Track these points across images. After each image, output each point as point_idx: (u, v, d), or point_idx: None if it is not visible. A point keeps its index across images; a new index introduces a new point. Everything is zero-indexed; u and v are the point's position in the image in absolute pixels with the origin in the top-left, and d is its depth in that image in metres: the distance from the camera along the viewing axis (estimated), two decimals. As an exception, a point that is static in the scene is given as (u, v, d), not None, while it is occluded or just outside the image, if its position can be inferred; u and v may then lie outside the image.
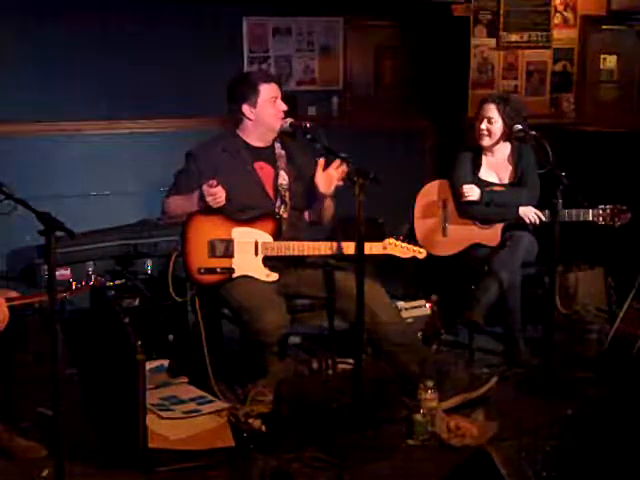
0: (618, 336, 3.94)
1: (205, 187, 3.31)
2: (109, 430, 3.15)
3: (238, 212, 3.43)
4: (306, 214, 3.67)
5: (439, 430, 3.14)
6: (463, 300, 4.00)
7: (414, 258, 3.44)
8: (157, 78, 5.35)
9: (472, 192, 3.98)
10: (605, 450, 2.75)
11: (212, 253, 3.40)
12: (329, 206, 3.56)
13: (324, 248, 3.43)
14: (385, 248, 3.41)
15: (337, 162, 3.30)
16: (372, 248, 3.35)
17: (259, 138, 3.56)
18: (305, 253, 3.43)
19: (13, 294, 3.00)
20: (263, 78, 3.54)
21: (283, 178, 3.55)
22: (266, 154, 3.58)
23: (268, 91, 3.48)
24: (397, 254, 3.43)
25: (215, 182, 3.30)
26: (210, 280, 3.40)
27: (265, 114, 3.49)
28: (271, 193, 3.55)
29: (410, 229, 4.16)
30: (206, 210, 3.38)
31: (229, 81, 3.59)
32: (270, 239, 3.43)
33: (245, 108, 3.50)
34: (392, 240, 3.42)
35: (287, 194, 3.55)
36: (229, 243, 3.42)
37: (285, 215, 3.53)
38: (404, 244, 3.42)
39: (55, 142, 5.27)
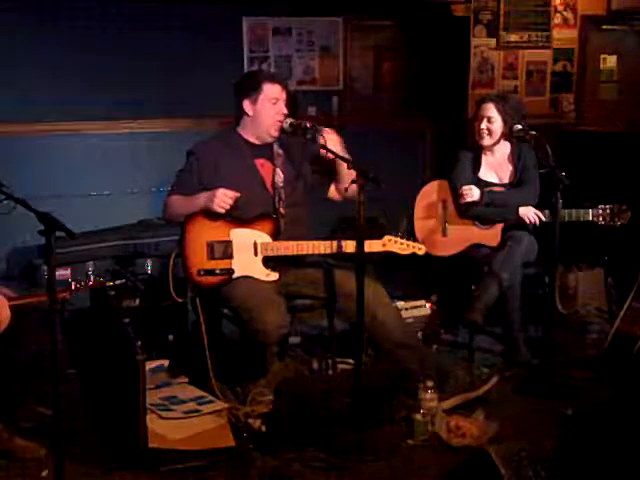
0: (618, 336, 3.94)
1: (222, 190, 3.31)
2: (109, 430, 3.16)
3: (237, 211, 3.43)
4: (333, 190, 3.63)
5: (439, 430, 3.14)
6: (463, 300, 4.00)
7: (414, 254, 3.44)
8: (157, 78, 5.36)
9: (471, 193, 3.97)
10: (605, 450, 2.75)
11: (211, 255, 3.40)
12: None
13: (323, 247, 3.43)
14: (384, 245, 3.41)
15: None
16: (371, 246, 3.35)
17: (257, 137, 3.56)
18: (304, 252, 3.43)
19: (7, 292, 2.98)
20: (269, 78, 3.55)
21: (279, 176, 3.55)
22: (266, 151, 3.58)
23: (271, 91, 3.48)
24: (396, 251, 3.42)
25: (236, 194, 3.32)
26: (210, 282, 3.40)
27: (264, 113, 3.49)
28: (271, 190, 3.56)
29: (409, 226, 4.16)
30: (204, 212, 3.38)
31: (234, 78, 3.60)
32: (269, 239, 3.43)
33: (246, 103, 3.51)
34: (391, 237, 3.41)
35: (283, 191, 3.55)
36: (228, 244, 3.42)
37: (283, 212, 3.53)
38: (403, 241, 3.42)
39: (55, 142, 5.27)
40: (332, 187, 3.61)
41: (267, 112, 3.49)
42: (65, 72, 5.17)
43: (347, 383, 3.16)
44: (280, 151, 3.59)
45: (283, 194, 3.54)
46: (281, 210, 3.52)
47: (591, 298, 4.54)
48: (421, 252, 3.44)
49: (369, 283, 3.21)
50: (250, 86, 3.51)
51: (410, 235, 3.53)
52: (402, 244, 3.42)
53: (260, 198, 3.51)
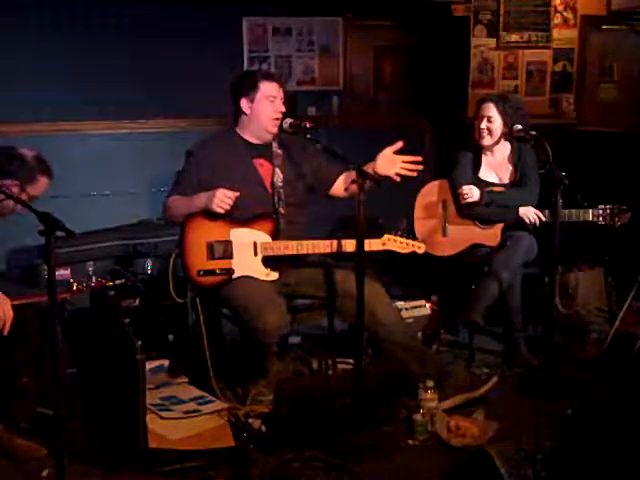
0: (618, 336, 3.94)
1: (222, 190, 3.30)
2: (109, 430, 3.16)
3: (237, 211, 3.42)
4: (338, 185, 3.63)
5: (439, 430, 3.14)
6: (463, 300, 4.00)
7: (414, 253, 3.44)
8: (157, 78, 5.35)
9: (471, 193, 3.97)
10: (605, 450, 2.75)
11: (211, 255, 3.40)
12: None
13: (323, 246, 3.43)
14: (384, 244, 3.41)
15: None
16: (371, 244, 3.35)
17: (256, 136, 3.56)
18: (304, 252, 3.43)
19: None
20: (265, 76, 3.55)
21: (278, 176, 3.55)
22: (265, 151, 3.58)
23: (268, 89, 3.49)
24: (396, 250, 3.42)
25: (235, 194, 3.31)
26: (210, 282, 3.40)
27: (261, 111, 3.49)
28: (270, 190, 3.55)
29: (409, 225, 4.16)
30: (204, 212, 3.38)
31: (233, 78, 3.60)
32: (269, 239, 3.43)
33: (243, 102, 3.51)
34: (391, 236, 3.41)
35: (282, 191, 3.55)
36: (227, 244, 3.42)
37: (283, 212, 3.53)
38: (403, 239, 3.42)
39: (55, 142, 5.27)
40: (337, 182, 3.60)
41: (265, 110, 3.49)
42: (65, 72, 5.17)
43: (347, 383, 3.16)
44: (279, 151, 3.59)
45: (282, 194, 3.54)
46: (281, 210, 3.52)
47: (591, 298, 4.54)
48: (421, 250, 3.44)
49: (369, 283, 3.21)
50: (247, 85, 3.51)
51: (410, 234, 3.53)
52: (402, 243, 3.42)
53: (259, 198, 3.51)
